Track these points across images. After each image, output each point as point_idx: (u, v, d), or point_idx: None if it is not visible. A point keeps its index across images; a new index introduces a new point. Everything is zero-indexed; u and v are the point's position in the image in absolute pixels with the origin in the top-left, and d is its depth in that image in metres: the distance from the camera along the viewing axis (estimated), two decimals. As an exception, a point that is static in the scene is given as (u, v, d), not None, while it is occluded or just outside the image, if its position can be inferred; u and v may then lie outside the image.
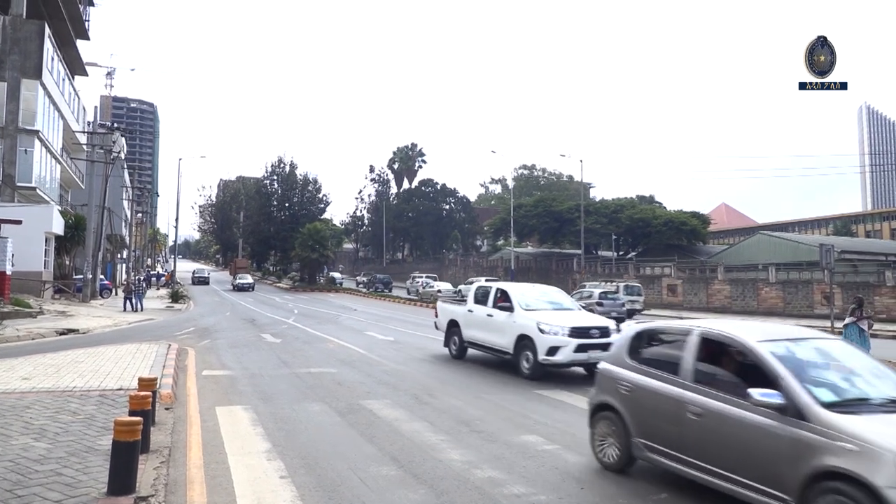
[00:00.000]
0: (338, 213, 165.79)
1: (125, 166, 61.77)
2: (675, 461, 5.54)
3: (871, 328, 14.91)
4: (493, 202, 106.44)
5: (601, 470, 6.44)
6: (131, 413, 6.10)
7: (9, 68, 32.09)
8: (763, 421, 4.81)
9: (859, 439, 4.25)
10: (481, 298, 14.02)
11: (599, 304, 27.92)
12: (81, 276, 34.67)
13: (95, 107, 47.59)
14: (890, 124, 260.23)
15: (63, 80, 38.66)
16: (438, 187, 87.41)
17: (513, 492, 5.74)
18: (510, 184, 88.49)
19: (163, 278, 63.93)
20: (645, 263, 49.04)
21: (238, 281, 55.91)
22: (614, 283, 37.26)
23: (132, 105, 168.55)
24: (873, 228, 79.58)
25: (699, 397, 5.35)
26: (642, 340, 6.52)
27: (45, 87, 33.59)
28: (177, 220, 58.79)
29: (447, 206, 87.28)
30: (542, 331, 11.65)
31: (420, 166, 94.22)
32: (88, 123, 44.16)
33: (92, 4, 47.02)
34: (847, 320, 14.54)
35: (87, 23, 43.96)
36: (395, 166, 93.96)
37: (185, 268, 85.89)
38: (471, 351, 14.56)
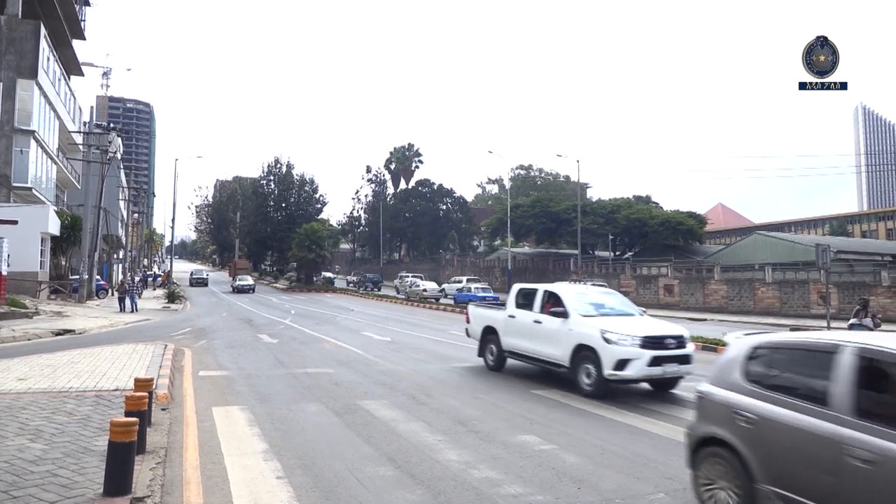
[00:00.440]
0: (335, 213, 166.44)
1: (121, 166, 61.71)
2: None
3: (879, 328, 14.73)
4: (489, 202, 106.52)
5: (598, 470, 6.43)
6: (127, 414, 6.08)
7: (4, 68, 32.01)
8: None
9: None
10: (525, 302, 12.49)
11: None
12: (78, 277, 34.61)
13: (91, 107, 47.99)
14: (886, 125, 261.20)
15: (59, 80, 38.57)
16: (435, 187, 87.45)
17: (510, 492, 5.74)
18: (507, 184, 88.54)
19: (159, 279, 63.85)
20: (641, 263, 49.11)
21: (238, 282, 54.56)
22: (580, 282, 37.14)
23: (128, 105, 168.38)
24: (869, 228, 79.89)
25: (868, 438, 4.05)
26: (762, 358, 5.19)
27: (40, 87, 33.51)
28: (173, 220, 58.49)
29: (444, 207, 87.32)
30: (608, 340, 10.08)
31: (417, 166, 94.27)
32: (84, 123, 44.18)
33: (88, 4, 46.96)
34: (851, 321, 14.53)
35: (82, 22, 43.87)
36: (392, 166, 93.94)
37: (182, 268, 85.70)
38: (510, 361, 13.07)
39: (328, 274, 67.39)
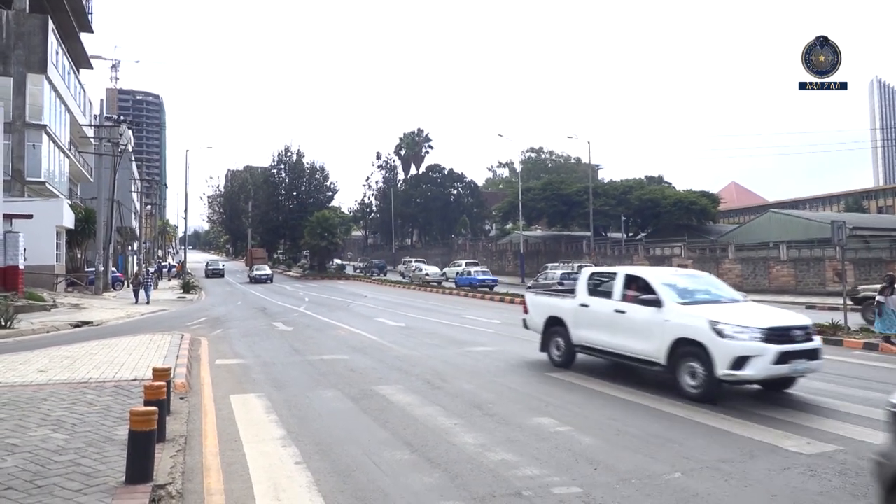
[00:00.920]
0: (346, 200, 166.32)
1: (133, 158, 62.06)
2: None
3: None
4: (500, 186, 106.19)
5: (615, 451, 6.43)
6: (146, 403, 6.16)
7: (14, 63, 32.18)
8: None
9: None
10: (600, 289, 10.75)
11: (561, 286, 27.36)
12: (93, 269, 34.94)
13: (101, 100, 47.93)
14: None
15: (68, 73, 38.73)
16: (446, 172, 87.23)
17: (526, 473, 5.76)
18: (518, 167, 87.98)
19: (174, 269, 64.41)
20: (655, 244, 48.88)
21: (255, 272, 53.58)
22: (574, 265, 36.94)
23: (138, 97, 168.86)
24: (885, 204, 78.76)
25: None
26: None
27: (50, 82, 33.66)
28: (186, 210, 59.03)
29: (455, 191, 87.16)
30: (720, 333, 8.33)
31: (427, 152, 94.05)
32: (95, 116, 44.37)
33: (94, -4, 46.95)
34: (878, 298, 14.38)
35: (90, 15, 43.96)
36: (402, 152, 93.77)
37: (196, 258, 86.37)
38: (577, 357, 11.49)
39: (340, 261, 67.67)
